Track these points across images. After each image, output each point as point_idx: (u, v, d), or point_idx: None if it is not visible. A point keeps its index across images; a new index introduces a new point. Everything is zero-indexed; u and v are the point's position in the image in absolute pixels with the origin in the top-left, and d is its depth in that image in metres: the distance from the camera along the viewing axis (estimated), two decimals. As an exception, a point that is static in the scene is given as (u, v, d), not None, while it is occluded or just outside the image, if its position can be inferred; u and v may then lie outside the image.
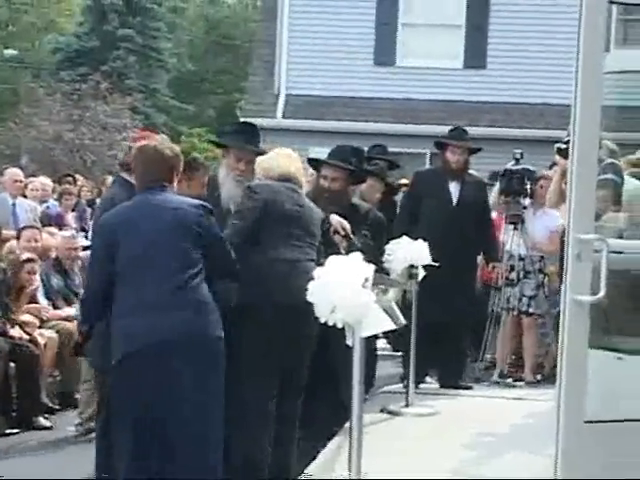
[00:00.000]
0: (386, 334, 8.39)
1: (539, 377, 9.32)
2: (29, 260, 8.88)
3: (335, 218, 6.52)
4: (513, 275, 9.27)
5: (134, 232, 5.12)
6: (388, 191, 8.58)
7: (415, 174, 9.33)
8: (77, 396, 8.78)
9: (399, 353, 9.30)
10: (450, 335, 8.69)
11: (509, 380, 9.32)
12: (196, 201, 5.35)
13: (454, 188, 8.77)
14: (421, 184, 8.92)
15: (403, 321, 6.79)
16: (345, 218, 6.71)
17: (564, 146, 7.91)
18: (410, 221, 8.55)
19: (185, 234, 5.12)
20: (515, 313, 9.33)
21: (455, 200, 8.74)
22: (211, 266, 5.22)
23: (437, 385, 8.78)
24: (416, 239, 7.63)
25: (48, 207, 12.53)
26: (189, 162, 6.18)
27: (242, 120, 8.44)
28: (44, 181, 13.53)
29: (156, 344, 4.94)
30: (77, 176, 15.03)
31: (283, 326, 5.65)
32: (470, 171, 9.13)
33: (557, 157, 8.77)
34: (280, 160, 6.23)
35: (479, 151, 9.04)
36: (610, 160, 7.60)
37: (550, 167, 9.71)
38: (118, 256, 5.11)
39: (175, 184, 5.40)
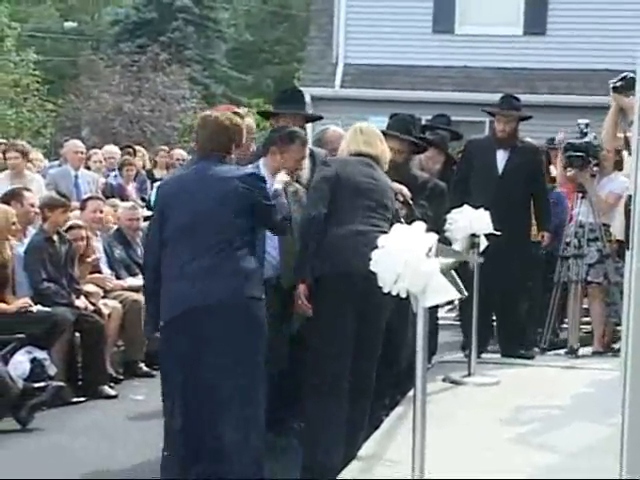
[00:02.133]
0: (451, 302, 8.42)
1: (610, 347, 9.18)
2: (72, 227, 8.89)
3: (395, 185, 6.52)
4: (578, 243, 9.17)
5: (183, 201, 5.30)
6: (448, 161, 8.53)
7: (466, 143, 9.27)
8: (141, 365, 8.90)
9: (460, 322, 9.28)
10: (507, 304, 8.65)
11: (581, 352, 9.20)
12: (248, 171, 5.48)
13: (501, 157, 8.71)
14: (471, 153, 8.88)
15: (465, 292, 6.77)
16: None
17: (620, 83, 7.81)
18: (462, 190, 8.50)
19: (231, 205, 5.22)
20: (581, 282, 9.19)
21: (500, 169, 8.69)
22: (259, 224, 5.43)
23: (498, 354, 8.74)
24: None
25: (112, 177, 12.61)
26: (283, 135, 6.20)
27: (286, 88, 8.41)
28: (112, 149, 13.63)
29: (191, 310, 5.12)
30: (137, 147, 15.09)
31: (356, 297, 5.66)
32: (527, 139, 9.04)
33: (612, 94, 8.55)
34: (354, 138, 6.26)
35: (529, 119, 8.95)
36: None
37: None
38: (167, 222, 5.31)
39: (232, 156, 5.48)
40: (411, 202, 6.65)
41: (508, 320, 8.74)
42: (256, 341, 5.23)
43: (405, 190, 6.61)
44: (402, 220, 6.22)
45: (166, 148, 15.66)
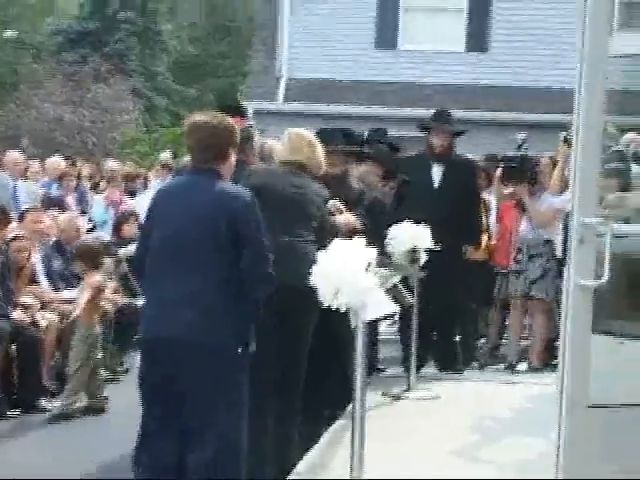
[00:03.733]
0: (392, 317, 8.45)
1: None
2: (16, 238, 8.82)
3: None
4: (519, 257, 9.26)
5: (168, 214, 4.95)
6: (388, 174, 8.53)
7: (401, 160, 9.31)
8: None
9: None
10: (445, 319, 8.69)
11: (518, 368, 9.27)
12: (238, 191, 5.00)
13: (437, 171, 8.75)
14: (407, 168, 8.91)
15: (410, 299, 6.84)
16: (339, 201, 6.70)
17: (570, 135, 7.90)
18: (399, 205, 8.54)
19: (215, 230, 4.82)
20: (521, 298, 9.28)
21: (437, 183, 8.73)
22: (243, 264, 4.85)
23: (435, 370, 8.78)
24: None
25: (48, 189, 12.52)
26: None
27: (229, 104, 8.40)
28: (57, 160, 13.53)
29: (162, 339, 4.84)
30: (78, 159, 15.00)
31: (278, 306, 5.61)
32: (467, 155, 9.11)
33: (561, 145, 8.78)
34: (282, 147, 6.28)
35: (463, 134, 9.03)
36: (616, 147, 7.60)
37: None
38: (153, 232, 5.00)
39: (231, 160, 5.06)
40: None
41: (445, 335, 8.78)
42: (231, 398, 4.85)
43: (338, 204, 6.62)
44: (339, 231, 6.24)
45: (112, 163, 15.54)
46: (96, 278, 8.31)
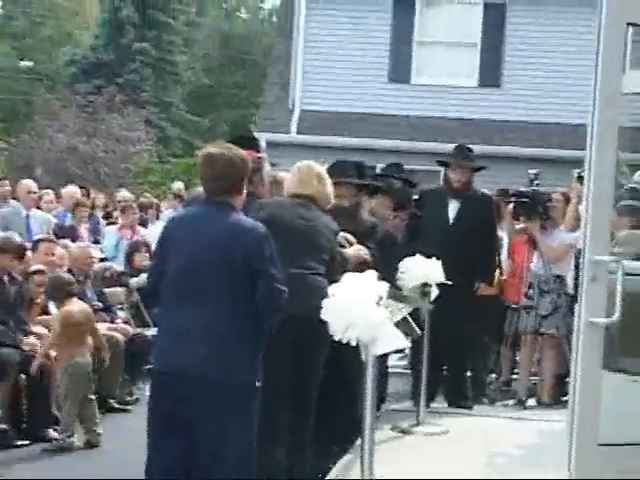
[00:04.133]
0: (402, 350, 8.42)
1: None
2: (38, 272, 8.88)
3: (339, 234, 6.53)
4: (530, 293, 9.25)
5: (181, 244, 4.93)
6: (399, 207, 8.54)
7: (420, 193, 9.33)
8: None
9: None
10: (455, 355, 8.67)
11: (529, 403, 9.23)
12: (252, 224, 5.00)
13: (453, 206, 8.75)
14: (423, 203, 8.93)
15: (419, 332, 6.85)
16: (350, 233, 6.72)
17: (584, 173, 7.91)
18: (414, 239, 8.55)
19: (229, 261, 4.80)
20: (531, 334, 9.26)
21: (452, 219, 8.74)
22: (258, 296, 4.85)
23: (445, 404, 8.76)
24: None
25: (63, 219, 12.57)
26: None
27: (242, 134, 8.36)
28: (73, 190, 13.59)
29: (173, 371, 4.80)
30: (91, 189, 15.07)
31: (289, 337, 5.63)
32: (483, 190, 9.11)
33: (575, 182, 8.80)
34: (291, 179, 6.34)
35: (482, 169, 9.03)
36: (630, 185, 7.60)
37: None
38: (166, 262, 4.97)
39: (243, 193, 5.06)
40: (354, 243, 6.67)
41: (455, 370, 8.76)
42: (243, 431, 4.82)
43: (349, 236, 6.63)
44: (349, 264, 6.25)
45: (125, 193, 15.60)
46: (66, 309, 8.26)
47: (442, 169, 9.52)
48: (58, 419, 8.36)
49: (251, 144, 7.01)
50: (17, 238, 9.06)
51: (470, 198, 8.79)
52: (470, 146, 9.13)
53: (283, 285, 4.92)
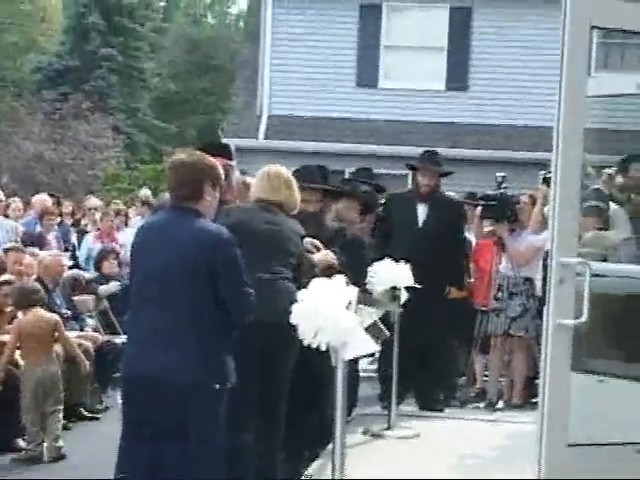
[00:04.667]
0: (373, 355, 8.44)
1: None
2: (6, 282, 8.82)
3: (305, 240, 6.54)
4: (499, 295, 9.29)
5: (147, 252, 4.98)
6: (366, 211, 8.53)
7: (387, 197, 9.36)
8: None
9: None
10: (425, 357, 8.70)
11: (498, 405, 9.27)
12: (215, 228, 5.00)
13: (422, 210, 8.82)
14: (392, 207, 8.96)
15: (387, 333, 6.89)
16: (315, 238, 6.72)
17: (549, 174, 7.97)
18: (384, 243, 8.59)
19: (193, 266, 4.82)
20: (501, 336, 9.29)
21: (421, 222, 8.80)
22: (227, 304, 4.88)
23: (416, 407, 8.79)
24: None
25: (34, 227, 12.49)
26: None
27: (212, 141, 8.35)
28: (43, 197, 13.51)
29: (140, 377, 4.83)
30: (60, 196, 15.01)
31: (257, 343, 5.62)
32: (449, 193, 9.15)
33: (540, 186, 8.86)
34: (259, 184, 6.31)
35: (450, 174, 9.09)
36: (595, 186, 7.67)
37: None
38: (136, 271, 5.06)
39: (208, 198, 5.04)
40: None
41: (425, 374, 8.78)
42: (211, 433, 4.84)
43: (316, 242, 6.63)
44: (317, 268, 6.26)
45: (94, 200, 15.54)
46: (20, 319, 8.18)
47: (410, 173, 9.55)
48: (26, 429, 8.31)
49: (222, 151, 7.01)
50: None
51: (438, 202, 8.85)
52: (438, 150, 9.18)
53: (250, 288, 4.93)
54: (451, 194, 9.50)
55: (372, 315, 6.58)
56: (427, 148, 9.30)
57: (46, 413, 7.90)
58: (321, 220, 7.12)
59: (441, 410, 8.74)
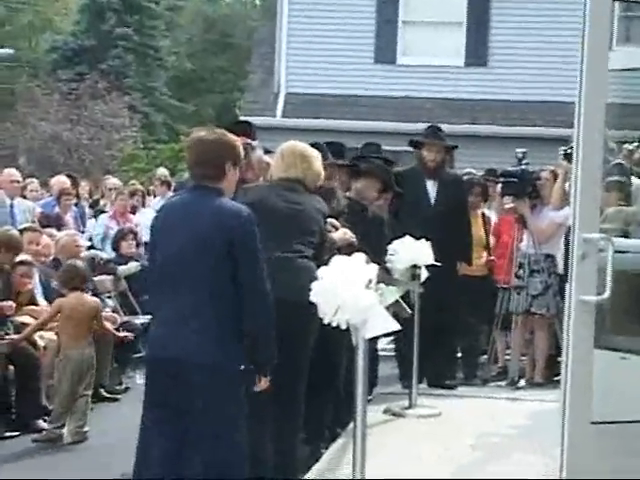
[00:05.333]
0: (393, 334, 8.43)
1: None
2: (22, 262, 8.85)
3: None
4: (521, 273, 9.27)
5: (169, 233, 4.98)
6: (386, 189, 8.48)
7: (395, 173, 9.35)
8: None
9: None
10: (439, 335, 8.69)
11: (520, 384, 9.26)
12: (238, 207, 4.97)
13: (431, 187, 8.84)
14: (401, 183, 8.93)
15: (409, 311, 6.91)
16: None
17: (570, 150, 7.93)
18: (398, 220, 8.57)
19: (213, 246, 4.82)
20: (522, 314, 9.28)
21: (432, 199, 8.81)
22: (241, 284, 4.84)
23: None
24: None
25: (52, 207, 12.52)
26: None
27: (237, 120, 8.36)
28: (63, 179, 13.53)
29: (164, 359, 4.85)
30: (77, 177, 15.04)
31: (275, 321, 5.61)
32: (466, 170, 9.14)
33: (561, 161, 8.82)
34: (275, 163, 6.30)
35: (455, 148, 9.09)
36: (617, 161, 7.62)
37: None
38: (156, 253, 5.03)
39: (230, 177, 5.02)
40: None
41: (438, 350, 8.77)
42: (235, 413, 4.85)
43: (333, 221, 6.61)
44: (337, 247, 6.25)
45: (114, 180, 15.56)
46: (60, 300, 8.21)
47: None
48: (48, 410, 8.36)
49: (244, 129, 7.00)
50: (14, 232, 9.06)
51: (445, 178, 8.89)
52: (457, 127, 9.17)
53: (264, 272, 4.88)
54: (472, 171, 9.49)
55: (393, 293, 6.59)
56: (430, 124, 9.32)
57: (77, 396, 7.94)
58: (331, 198, 7.04)
59: (451, 388, 8.74)
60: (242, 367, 4.87)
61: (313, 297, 4.66)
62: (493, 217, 10.32)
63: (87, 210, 13.83)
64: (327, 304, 4.59)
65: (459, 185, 9.12)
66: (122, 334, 9.43)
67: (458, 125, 9.39)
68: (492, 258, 9.93)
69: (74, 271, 8.32)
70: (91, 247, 11.65)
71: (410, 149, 9.34)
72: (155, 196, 15.15)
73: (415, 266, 7.60)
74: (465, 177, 10.01)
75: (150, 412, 4.94)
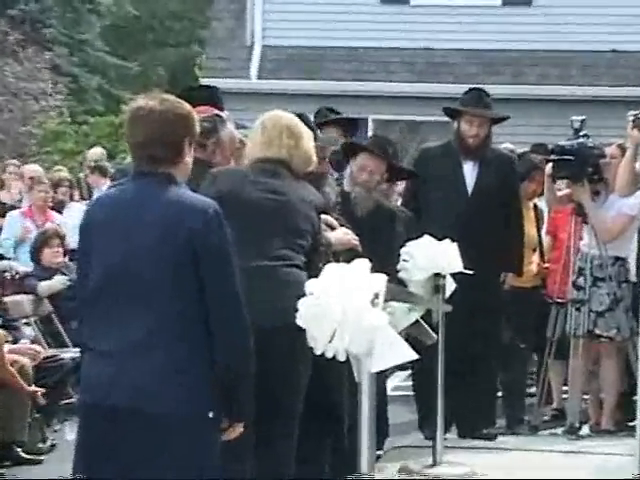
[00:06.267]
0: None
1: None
2: None
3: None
4: (581, 282, 9.25)
5: (108, 239, 4.92)
6: (392, 171, 8.44)
7: (420, 152, 9.37)
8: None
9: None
10: (475, 368, 8.72)
11: (583, 431, 9.27)
12: (198, 202, 4.96)
13: (470, 171, 8.86)
14: (427, 165, 8.94)
15: (434, 336, 6.94)
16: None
17: None
18: (417, 214, 8.61)
19: (169, 255, 4.80)
20: (582, 336, 9.28)
21: (470, 188, 8.84)
22: (208, 303, 4.84)
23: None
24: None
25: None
26: None
27: (195, 84, 8.37)
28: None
29: (106, 407, 4.81)
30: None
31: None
32: (505, 145, 9.15)
33: (630, 129, 8.82)
34: (253, 139, 6.31)
35: (506, 120, 9.09)
36: None
37: None
38: (89, 263, 4.98)
39: (187, 160, 5.02)
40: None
41: (472, 388, 8.79)
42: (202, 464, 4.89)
43: (329, 218, 6.61)
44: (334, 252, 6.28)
45: (16, 162, 15.56)
46: None
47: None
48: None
49: (207, 96, 7.00)
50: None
51: (491, 160, 8.86)
52: (492, 87, 9.19)
53: (238, 292, 4.89)
54: (509, 146, 9.50)
55: (409, 314, 6.61)
56: (473, 85, 9.30)
57: None
58: (318, 186, 6.99)
59: (489, 438, 8.79)
60: (211, 414, 4.89)
61: (300, 319, 4.68)
62: (543, 208, 10.33)
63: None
64: (319, 328, 4.61)
65: (509, 168, 9.10)
66: (31, 389, 9.02)
67: (493, 85, 9.37)
68: (546, 265, 9.93)
69: None
70: (1, 256, 11.65)
71: (430, 118, 9.39)
72: (88, 187, 15.15)
73: (438, 275, 7.62)
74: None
75: (84, 473, 4.95)
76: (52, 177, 14.60)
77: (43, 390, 8.98)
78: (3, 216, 13.17)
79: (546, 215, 10.25)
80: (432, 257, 7.61)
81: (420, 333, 6.99)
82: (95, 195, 11.19)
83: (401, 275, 7.50)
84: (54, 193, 13.88)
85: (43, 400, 9.24)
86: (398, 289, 6.72)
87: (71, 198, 14.26)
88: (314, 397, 5.99)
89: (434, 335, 7.14)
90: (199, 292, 4.82)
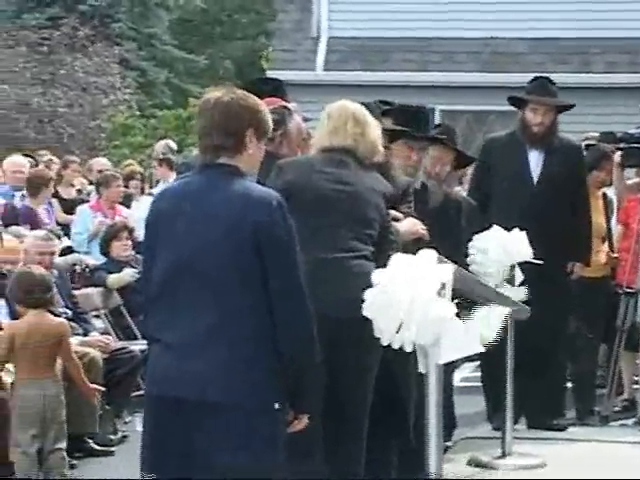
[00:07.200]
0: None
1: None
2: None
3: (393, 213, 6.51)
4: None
5: (173, 232, 4.95)
6: (460, 162, 8.39)
7: (485, 142, 9.33)
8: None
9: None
10: (543, 359, 8.67)
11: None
12: (263, 193, 4.94)
13: (536, 160, 8.80)
14: (492, 155, 8.93)
15: (528, 310, 7.06)
16: None
17: None
18: (481, 204, 8.55)
19: (235, 248, 4.82)
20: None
21: (536, 177, 8.78)
22: (271, 296, 4.83)
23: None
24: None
25: (19, 198, 12.58)
26: None
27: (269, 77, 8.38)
28: (19, 161, 13.58)
29: (173, 399, 4.83)
30: (41, 152, 15.14)
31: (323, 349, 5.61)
32: (565, 135, 9.10)
33: None
34: (319, 129, 6.30)
35: (571, 108, 9.03)
36: None
37: None
38: (154, 257, 5.01)
39: (251, 151, 5.00)
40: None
41: (541, 379, 8.75)
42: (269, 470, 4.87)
43: (392, 211, 6.56)
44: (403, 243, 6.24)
45: (76, 159, 15.60)
46: (17, 322, 8.22)
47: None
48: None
49: (273, 88, 7.00)
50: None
51: (557, 149, 8.81)
52: (558, 76, 9.15)
53: (304, 295, 4.84)
54: (570, 138, 9.44)
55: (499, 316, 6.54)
56: (538, 74, 9.25)
57: (45, 451, 7.97)
58: (387, 175, 6.97)
59: (559, 429, 8.73)
60: (277, 405, 4.88)
61: (366, 310, 4.66)
62: (613, 197, 10.26)
63: (53, 200, 13.79)
64: (385, 318, 4.59)
65: (576, 157, 9.04)
66: (93, 386, 8.70)
67: (561, 74, 9.32)
68: (615, 255, 9.85)
69: (30, 282, 8.31)
70: (70, 250, 11.70)
71: (496, 108, 9.35)
72: (157, 181, 15.24)
73: (513, 267, 7.60)
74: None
75: (152, 468, 4.96)
76: (123, 171, 14.68)
77: (103, 388, 8.96)
78: (67, 212, 13.27)
79: (615, 204, 10.17)
80: (504, 248, 7.59)
81: (518, 310, 7.03)
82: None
83: (472, 268, 7.46)
84: (125, 187, 13.97)
85: (99, 397, 9.24)
86: (486, 289, 6.69)
87: (142, 191, 14.33)
88: (381, 392, 5.98)
89: (528, 310, 7.13)
90: (264, 284, 4.81)
